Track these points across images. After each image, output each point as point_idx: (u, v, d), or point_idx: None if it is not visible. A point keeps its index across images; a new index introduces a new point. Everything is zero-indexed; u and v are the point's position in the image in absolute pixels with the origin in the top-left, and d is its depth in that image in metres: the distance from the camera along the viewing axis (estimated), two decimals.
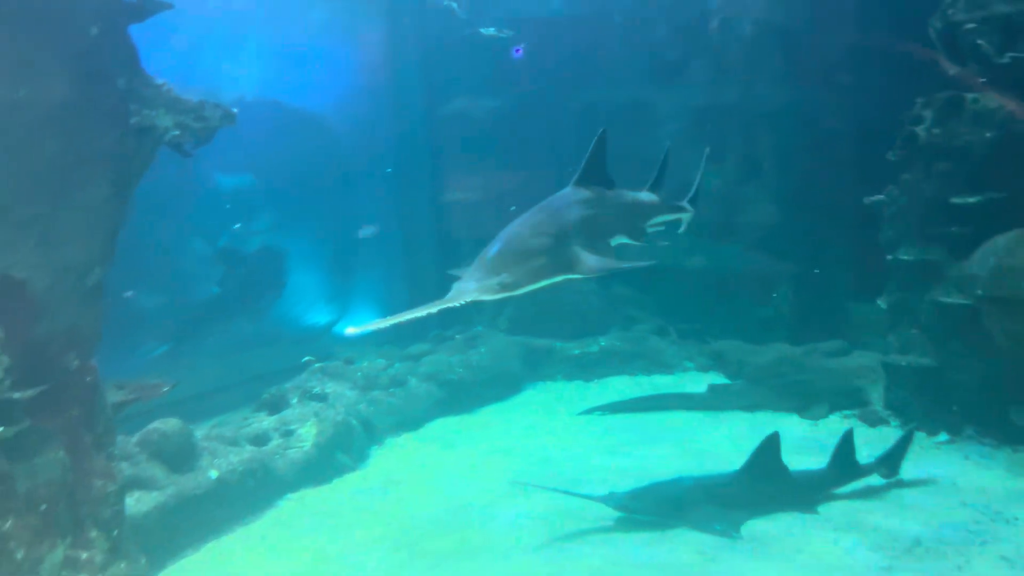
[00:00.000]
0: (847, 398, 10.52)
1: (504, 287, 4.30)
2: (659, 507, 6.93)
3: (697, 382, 11.87)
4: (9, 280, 3.90)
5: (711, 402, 10.79)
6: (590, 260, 4.82)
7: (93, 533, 4.03)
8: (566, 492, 7.18)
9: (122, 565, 4.14)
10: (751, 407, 10.63)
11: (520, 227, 4.84)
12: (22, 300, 3.94)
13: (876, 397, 10.47)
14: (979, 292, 6.70)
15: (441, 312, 4.19)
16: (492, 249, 4.66)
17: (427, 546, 6.67)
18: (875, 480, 7.80)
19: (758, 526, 6.86)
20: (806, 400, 10.59)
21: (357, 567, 6.33)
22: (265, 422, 8.79)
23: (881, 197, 10.35)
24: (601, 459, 8.88)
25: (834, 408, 10.47)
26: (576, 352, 12.70)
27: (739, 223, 14.05)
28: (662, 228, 7.08)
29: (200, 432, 8.06)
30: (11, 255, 3.92)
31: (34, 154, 3.95)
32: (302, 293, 15.16)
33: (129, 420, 6.20)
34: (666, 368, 12.72)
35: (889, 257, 10.21)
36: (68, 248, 4.24)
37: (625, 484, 7.44)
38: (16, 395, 3.69)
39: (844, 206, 12.34)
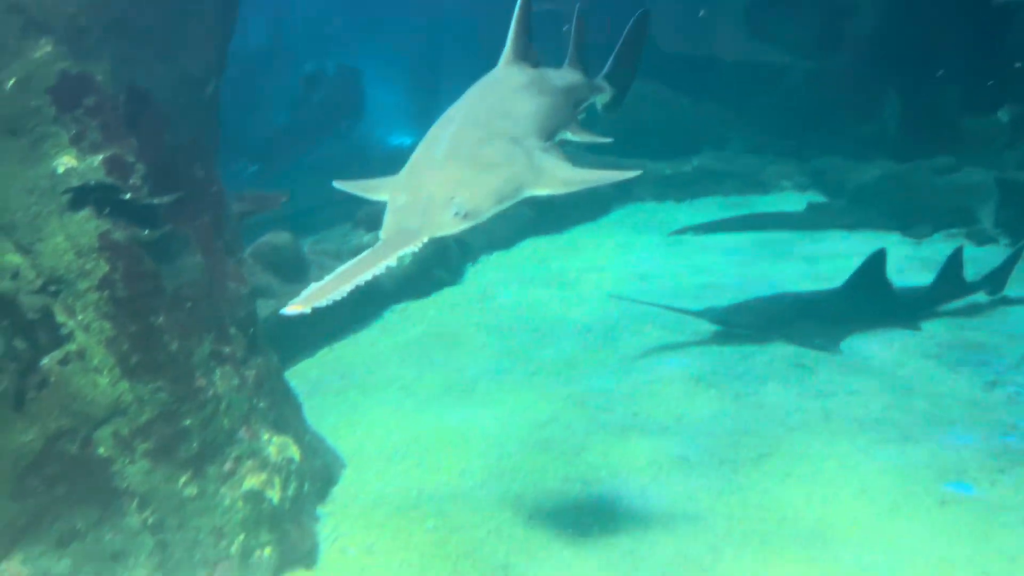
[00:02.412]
0: (954, 216, 10.11)
1: (462, 217, 3.07)
2: (758, 321, 6.97)
3: (795, 202, 11.55)
4: (136, 92, 3.97)
5: (809, 221, 10.53)
6: (560, 170, 3.57)
7: (232, 330, 4.33)
8: (663, 306, 7.27)
9: (259, 359, 4.47)
10: (851, 226, 10.35)
11: (463, 126, 3.51)
12: (149, 111, 4.03)
13: (986, 215, 10.02)
14: None
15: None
16: (430, 158, 3.36)
17: (529, 354, 6.94)
18: (980, 298, 7.63)
19: (859, 342, 6.85)
20: (910, 219, 10.22)
21: (461, 370, 6.66)
22: (365, 238, 9.06)
23: None
24: (696, 277, 8.89)
25: (939, 227, 10.11)
26: (667, 172, 12.41)
27: (842, 31, 13.03)
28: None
29: (304, 247, 8.38)
30: (133, 67, 3.96)
31: None
32: (384, 113, 15.09)
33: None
34: (761, 188, 12.37)
35: (1018, 64, 9.37)
36: (185, 58, 4.26)
37: (722, 301, 7.47)
38: (155, 201, 3.86)
39: (962, 7, 11.24)
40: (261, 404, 4.36)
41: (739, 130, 13.48)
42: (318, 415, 5.64)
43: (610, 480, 4.82)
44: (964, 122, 11.93)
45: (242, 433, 4.17)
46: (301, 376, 6.50)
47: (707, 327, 7.12)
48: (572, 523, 4.41)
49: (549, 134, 3.88)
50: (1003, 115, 9.80)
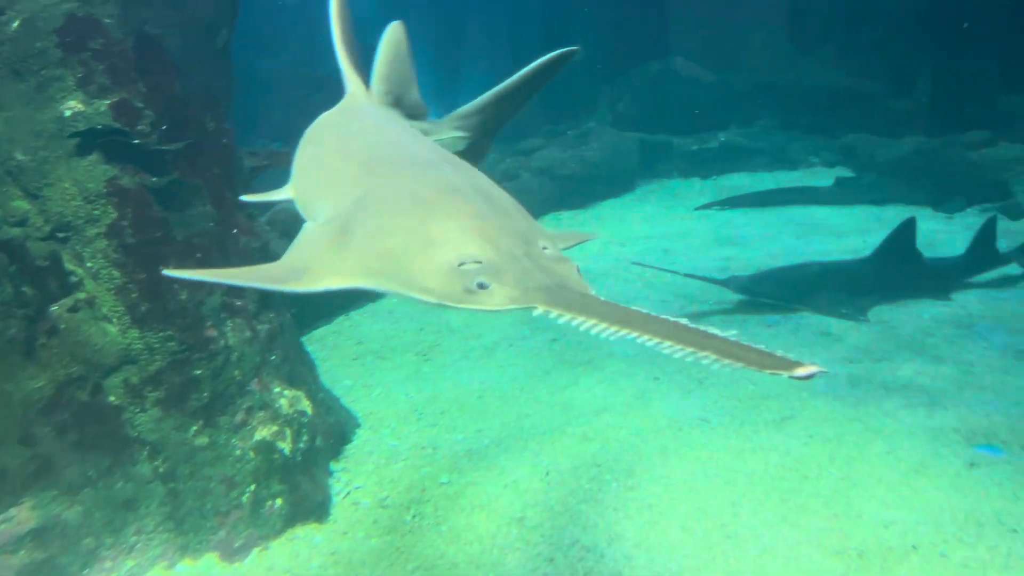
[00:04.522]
0: (988, 191, 9.84)
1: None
2: (783, 291, 6.81)
3: (823, 177, 11.31)
4: (145, 37, 3.92)
5: (838, 196, 10.30)
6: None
7: None
8: (687, 275, 7.13)
9: (271, 315, 4.42)
10: (881, 201, 10.10)
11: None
12: (159, 58, 3.98)
13: (1021, 190, 9.75)
14: None
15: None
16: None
17: (547, 322, 6.81)
18: (1013, 269, 7.40)
19: (887, 311, 6.67)
20: (942, 193, 9.96)
21: (480, 336, 6.56)
22: None
23: None
24: (720, 250, 8.74)
25: (973, 202, 9.84)
26: (694, 148, 12.24)
27: (874, 6, 12.74)
28: None
29: None
30: (141, 12, 3.91)
31: None
32: None
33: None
34: (789, 164, 12.14)
35: None
36: (195, 5, 4.21)
37: (746, 272, 7.31)
38: (165, 147, 3.82)
39: None
40: (273, 358, 4.31)
41: (767, 107, 13.24)
42: (334, 378, 5.62)
43: (629, 440, 4.72)
44: (1000, 97, 11.62)
45: (253, 385, 4.13)
46: (319, 341, 6.47)
47: (731, 297, 6.98)
48: (590, 479, 4.32)
49: None
50: None
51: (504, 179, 10.64)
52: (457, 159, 2.56)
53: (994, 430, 4.70)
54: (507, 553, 3.77)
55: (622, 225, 9.97)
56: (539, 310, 1.91)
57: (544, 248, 2.13)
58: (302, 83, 12.60)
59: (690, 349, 1.75)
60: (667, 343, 1.77)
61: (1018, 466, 4.33)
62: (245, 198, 3.23)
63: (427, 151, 2.59)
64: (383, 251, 2.17)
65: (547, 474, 4.41)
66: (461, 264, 2.02)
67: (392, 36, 3.15)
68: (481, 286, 1.98)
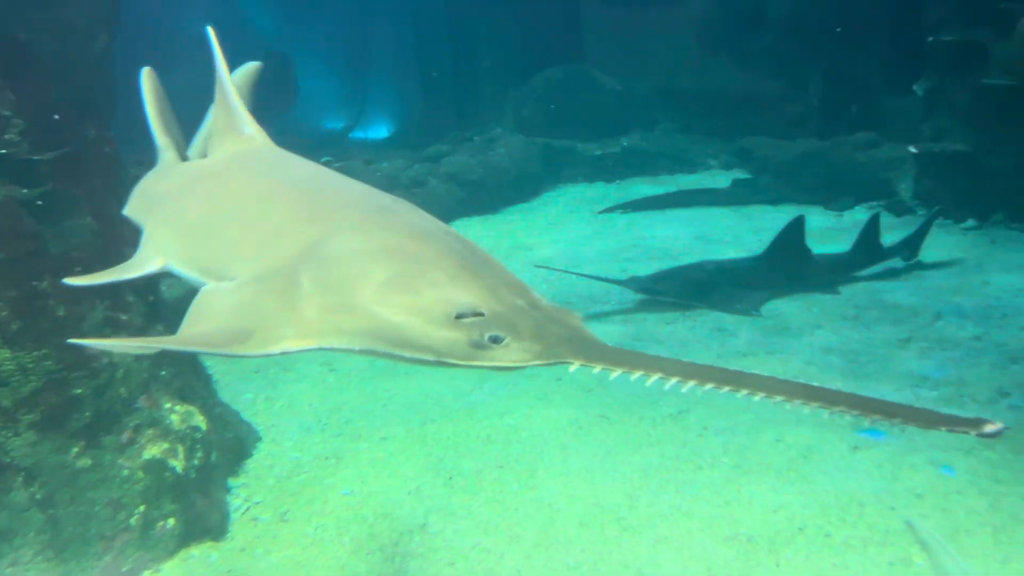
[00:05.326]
0: (874, 189, 10.37)
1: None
2: (681, 289, 7.01)
3: (721, 179, 11.70)
4: (13, 42, 3.75)
5: (735, 197, 10.68)
6: None
7: (130, 298, 4.13)
8: (589, 276, 7.26)
9: (160, 328, 4.28)
10: (775, 201, 10.52)
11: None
12: (29, 63, 3.81)
13: (904, 188, 10.32)
14: None
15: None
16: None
17: None
18: (896, 263, 7.83)
19: (780, 305, 6.96)
20: (832, 192, 10.45)
21: None
22: None
23: None
24: (622, 251, 8.93)
25: (860, 200, 10.35)
26: (598, 153, 12.47)
27: (767, 15, 13.29)
28: None
29: None
30: (6, 15, 3.75)
31: None
32: (317, 98, 14.82)
33: None
34: (689, 167, 12.51)
35: (930, 39, 9.65)
36: (69, 10, 4.05)
37: (647, 272, 7.50)
38: (36, 157, 3.66)
39: None
40: (163, 373, 4.17)
41: (668, 111, 13.61)
42: (235, 392, 5.48)
43: (531, 441, 4.76)
44: (885, 100, 12.27)
45: (142, 401, 3.99)
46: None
47: (632, 296, 7.14)
48: (493, 481, 4.34)
49: None
50: (918, 89, 10.05)
51: (412, 185, 10.61)
52: (410, 204, 2.32)
53: None
54: (409, 560, 3.76)
55: (529, 230, 10.07)
56: (575, 365, 1.74)
57: (539, 297, 1.94)
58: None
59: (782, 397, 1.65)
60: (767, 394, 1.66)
61: (897, 447, 4.57)
62: (69, 282, 2.75)
63: (371, 193, 2.33)
64: (357, 306, 1.86)
65: (450, 479, 4.41)
66: (459, 316, 1.79)
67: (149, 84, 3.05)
68: (495, 340, 1.77)
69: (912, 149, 9.50)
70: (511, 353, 1.77)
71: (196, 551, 3.88)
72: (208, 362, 5.52)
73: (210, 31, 2.77)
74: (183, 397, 4.23)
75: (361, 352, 1.86)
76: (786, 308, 6.90)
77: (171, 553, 3.82)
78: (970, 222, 9.08)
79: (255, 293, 2.05)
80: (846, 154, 10.99)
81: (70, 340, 2.16)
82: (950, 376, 5.46)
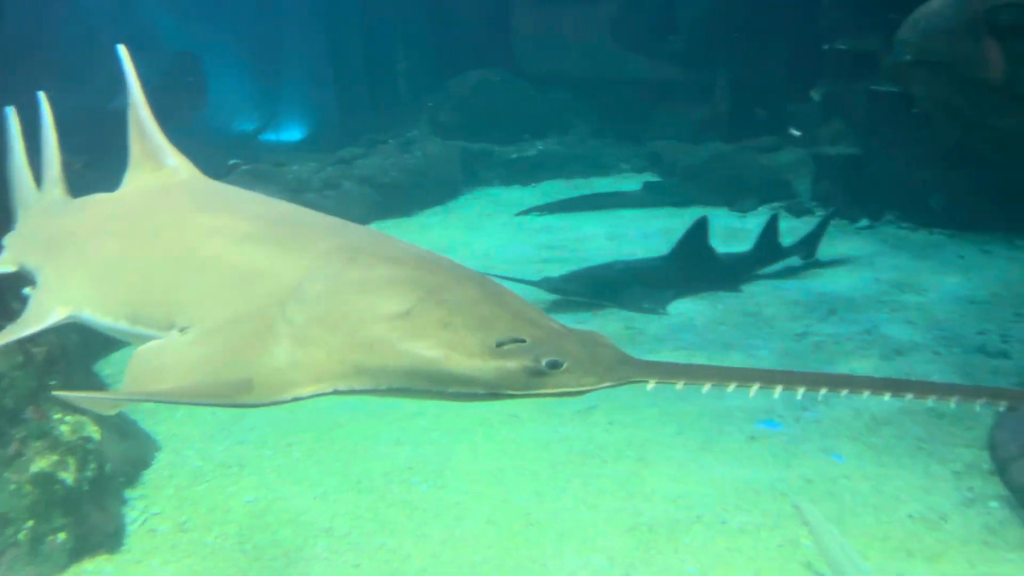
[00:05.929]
0: (776, 191, 10.78)
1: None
2: (591, 288, 7.15)
3: (633, 182, 11.97)
4: None
5: (645, 199, 10.94)
6: None
7: (15, 305, 3.97)
8: (501, 277, 7.30)
9: (51, 337, 4.12)
10: (683, 203, 10.81)
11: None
12: None
13: (804, 189, 10.77)
14: (908, 57, 6.72)
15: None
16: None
17: None
18: (795, 261, 8.17)
19: (684, 304, 7.17)
20: (737, 194, 10.82)
21: None
22: None
23: None
24: (538, 253, 9.04)
25: (763, 201, 10.74)
26: (514, 156, 12.57)
27: (678, 22, 13.67)
28: None
29: None
30: None
31: None
32: (227, 99, 14.46)
33: None
34: (603, 170, 12.74)
35: (825, 47, 10.12)
36: None
37: (559, 272, 7.61)
38: None
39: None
40: (53, 383, 4.03)
41: (582, 116, 13.83)
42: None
43: (441, 440, 4.78)
44: (786, 105, 12.77)
45: (29, 412, 3.84)
46: (117, 364, 6.06)
47: (545, 296, 7.23)
48: (401, 482, 4.35)
49: None
50: (815, 95, 10.54)
51: (325, 188, 10.47)
52: (386, 233, 2.21)
53: (773, 406, 5.15)
54: (312, 564, 3.72)
55: (446, 232, 10.09)
56: (651, 384, 1.71)
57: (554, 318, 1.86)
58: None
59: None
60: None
61: (792, 437, 4.79)
62: None
63: (344, 223, 2.19)
64: (377, 343, 1.68)
65: (358, 483, 4.39)
66: (499, 345, 1.69)
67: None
68: (553, 365, 1.70)
69: (795, 132, 9.94)
70: (574, 378, 1.71)
71: (90, 565, 3.75)
72: (104, 371, 5.35)
73: (122, 50, 2.55)
74: (74, 407, 4.08)
75: (388, 393, 1.73)
76: (692, 306, 7.12)
77: (63, 568, 3.69)
78: (863, 222, 9.56)
79: (234, 339, 1.85)
80: (750, 157, 11.40)
81: (55, 392, 1.97)
82: (841, 369, 5.73)
